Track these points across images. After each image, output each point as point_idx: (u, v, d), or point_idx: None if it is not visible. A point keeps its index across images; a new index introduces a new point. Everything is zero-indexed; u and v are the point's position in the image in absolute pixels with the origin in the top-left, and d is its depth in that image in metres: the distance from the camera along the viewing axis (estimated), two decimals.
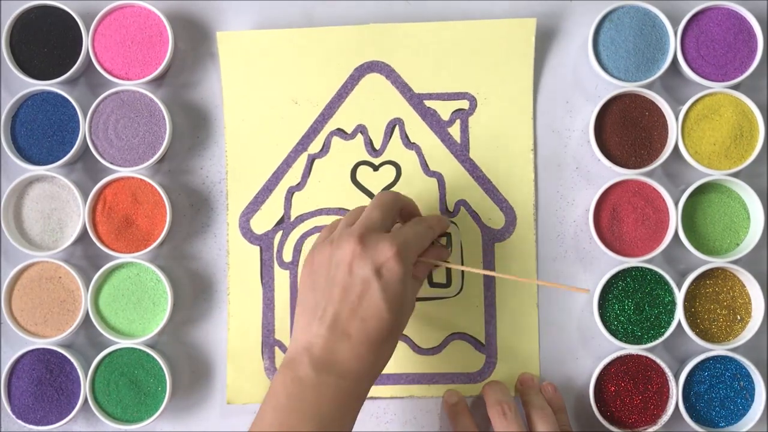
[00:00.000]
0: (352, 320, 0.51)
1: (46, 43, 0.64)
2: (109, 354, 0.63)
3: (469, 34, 0.64)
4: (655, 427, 0.61)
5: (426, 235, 0.56)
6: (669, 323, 0.62)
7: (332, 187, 0.65)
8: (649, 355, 0.61)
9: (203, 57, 0.66)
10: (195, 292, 0.65)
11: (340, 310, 0.52)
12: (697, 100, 0.62)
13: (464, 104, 0.64)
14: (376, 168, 0.65)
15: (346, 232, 0.53)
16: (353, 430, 0.52)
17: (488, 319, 0.64)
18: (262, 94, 0.65)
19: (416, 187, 0.64)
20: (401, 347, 0.64)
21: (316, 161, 0.65)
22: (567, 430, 0.60)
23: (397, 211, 0.57)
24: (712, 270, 0.62)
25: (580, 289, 0.56)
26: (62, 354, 0.62)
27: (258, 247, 0.65)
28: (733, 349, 0.61)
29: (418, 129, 0.64)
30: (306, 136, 0.65)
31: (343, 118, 0.65)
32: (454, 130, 0.64)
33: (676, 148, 0.62)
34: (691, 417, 0.61)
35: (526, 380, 0.62)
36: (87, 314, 0.63)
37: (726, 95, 0.62)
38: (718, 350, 0.61)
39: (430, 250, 0.58)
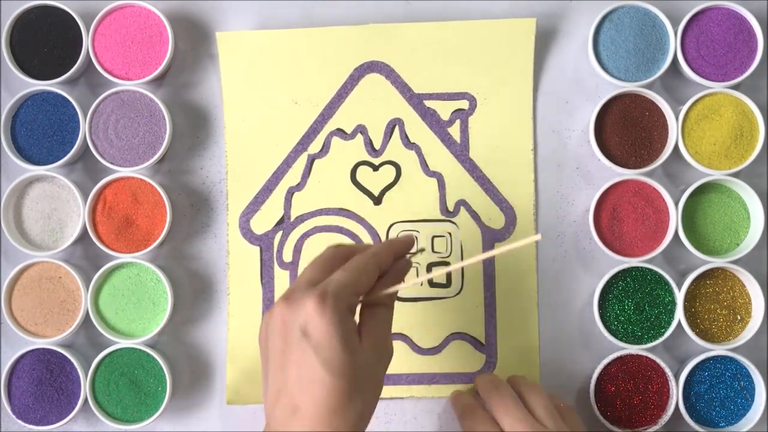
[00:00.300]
0: (299, 392, 0.45)
1: (46, 43, 0.64)
2: (109, 354, 0.63)
3: (469, 34, 0.64)
4: (655, 427, 0.61)
5: (365, 267, 0.48)
6: (669, 323, 0.62)
7: (332, 187, 0.65)
8: (649, 355, 0.61)
9: (203, 57, 0.66)
10: (195, 292, 0.65)
11: (284, 383, 0.46)
12: (697, 100, 0.62)
13: (464, 104, 0.64)
14: (376, 168, 0.65)
15: (280, 298, 0.48)
16: None
17: (488, 319, 0.64)
18: (262, 94, 0.65)
19: (416, 187, 0.64)
20: (401, 347, 0.64)
21: (316, 161, 0.65)
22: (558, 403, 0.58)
23: (336, 262, 0.50)
24: (712, 270, 0.62)
25: (531, 238, 0.47)
26: (62, 354, 0.62)
27: (258, 248, 0.65)
28: (733, 349, 0.61)
29: (418, 129, 0.64)
30: (306, 136, 0.65)
31: (343, 118, 0.65)
32: (454, 130, 0.64)
33: (676, 148, 0.62)
34: (691, 417, 0.60)
35: (513, 381, 0.60)
36: (87, 314, 0.63)
37: (726, 95, 0.62)
38: (718, 350, 0.61)
39: (386, 277, 0.50)
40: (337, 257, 0.50)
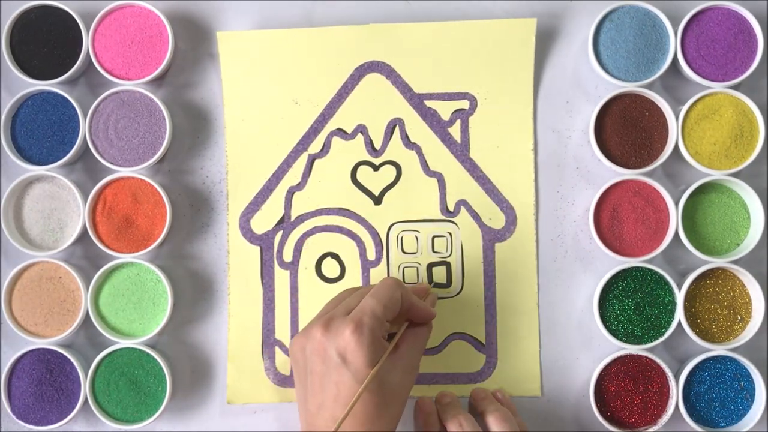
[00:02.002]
0: (337, 406, 0.52)
1: (46, 43, 0.64)
2: (109, 354, 0.63)
3: (469, 34, 0.64)
4: (655, 427, 0.61)
5: (391, 299, 0.54)
6: (669, 323, 0.62)
7: (332, 187, 0.65)
8: (649, 355, 0.61)
9: (203, 57, 0.66)
10: (195, 292, 0.65)
11: (324, 399, 0.52)
12: (697, 100, 0.62)
13: (464, 104, 0.64)
14: (376, 168, 0.65)
15: (315, 321, 0.54)
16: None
17: (488, 319, 0.64)
18: (262, 94, 0.65)
19: (416, 187, 0.64)
20: None
21: (317, 161, 0.65)
22: (525, 430, 0.59)
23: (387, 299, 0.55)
24: (712, 270, 0.62)
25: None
26: (62, 354, 0.62)
27: (258, 247, 0.65)
28: (733, 349, 0.61)
29: (418, 129, 0.64)
30: (306, 136, 0.65)
31: (344, 118, 0.65)
32: (455, 130, 0.64)
33: (676, 148, 0.62)
34: (691, 417, 0.61)
35: (477, 394, 0.61)
36: (87, 314, 0.63)
37: (726, 95, 0.62)
38: (718, 350, 0.61)
39: (404, 306, 0.56)
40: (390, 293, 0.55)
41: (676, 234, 0.61)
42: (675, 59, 0.62)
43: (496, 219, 0.64)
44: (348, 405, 0.51)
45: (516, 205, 0.64)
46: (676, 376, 0.61)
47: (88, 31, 0.63)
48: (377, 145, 0.65)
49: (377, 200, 0.64)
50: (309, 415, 0.54)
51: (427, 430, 0.60)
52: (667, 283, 0.62)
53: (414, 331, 0.57)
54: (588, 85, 0.65)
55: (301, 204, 0.65)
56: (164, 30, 0.64)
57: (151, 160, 0.63)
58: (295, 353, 0.55)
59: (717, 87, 0.62)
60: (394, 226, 0.64)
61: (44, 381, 0.62)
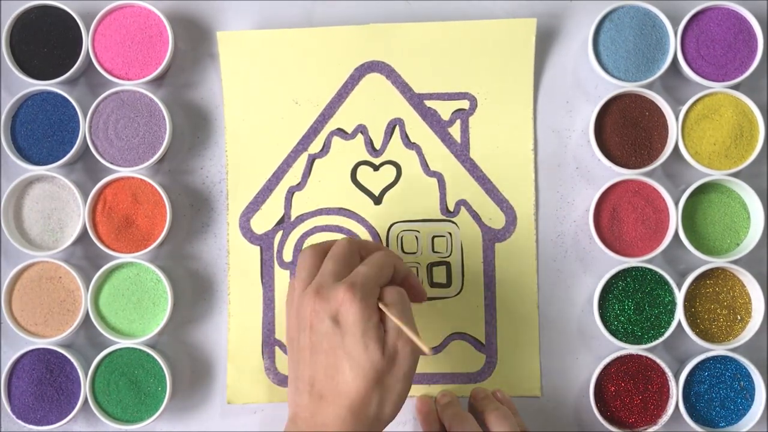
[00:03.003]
0: (326, 380, 0.49)
1: (46, 43, 0.64)
2: (109, 354, 0.63)
3: (469, 34, 0.64)
4: (655, 427, 0.61)
5: (385, 263, 0.52)
6: (669, 323, 0.62)
7: (332, 187, 0.65)
8: (649, 355, 0.61)
9: (203, 57, 0.66)
10: (195, 292, 0.65)
11: (314, 372, 0.49)
12: (697, 100, 0.62)
13: (464, 104, 0.64)
14: (376, 168, 0.65)
15: (305, 292, 0.51)
16: None
17: (488, 319, 0.64)
18: (262, 94, 0.65)
19: (416, 187, 0.64)
20: None
21: (317, 161, 0.65)
22: (524, 429, 0.59)
23: (355, 257, 0.53)
24: (712, 270, 0.62)
25: (423, 347, 0.49)
26: (62, 354, 0.62)
27: (258, 247, 0.65)
28: (733, 349, 0.61)
29: (418, 129, 0.64)
30: (306, 136, 0.65)
31: (344, 118, 0.65)
32: (455, 130, 0.64)
33: (676, 148, 0.62)
34: (691, 417, 0.61)
35: (477, 393, 0.61)
36: (87, 314, 0.63)
37: (726, 95, 0.62)
38: (718, 350, 0.61)
39: (396, 275, 0.54)
40: (353, 253, 0.53)
41: (676, 234, 0.61)
42: (675, 59, 0.62)
43: (496, 219, 0.64)
44: (338, 371, 0.47)
45: (516, 205, 0.64)
46: (676, 376, 0.61)
47: (88, 31, 0.63)
48: (377, 145, 0.65)
49: (377, 200, 0.64)
50: (298, 395, 0.50)
51: (427, 429, 0.60)
52: (667, 283, 0.62)
53: (409, 340, 0.52)
54: (588, 85, 0.65)
55: (301, 204, 0.65)
56: (164, 30, 0.64)
57: (151, 160, 0.63)
58: (288, 328, 0.53)
59: (717, 87, 0.62)
60: (394, 226, 0.64)
61: (44, 381, 0.62)
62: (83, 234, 0.64)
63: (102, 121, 0.63)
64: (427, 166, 0.64)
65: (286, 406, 0.63)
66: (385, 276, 0.52)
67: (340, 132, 0.65)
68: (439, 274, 0.64)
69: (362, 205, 0.64)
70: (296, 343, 0.51)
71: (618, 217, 0.63)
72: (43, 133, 0.64)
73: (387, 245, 0.64)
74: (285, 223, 0.65)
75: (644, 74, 0.63)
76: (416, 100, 0.64)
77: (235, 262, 0.65)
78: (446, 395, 0.62)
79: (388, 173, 0.64)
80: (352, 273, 0.51)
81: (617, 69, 0.63)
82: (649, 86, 0.63)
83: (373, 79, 0.65)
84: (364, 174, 0.65)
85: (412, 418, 0.64)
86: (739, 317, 0.62)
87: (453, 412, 0.58)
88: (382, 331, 0.50)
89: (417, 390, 0.64)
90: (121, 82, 0.63)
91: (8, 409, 0.63)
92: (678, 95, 0.64)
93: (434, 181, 0.64)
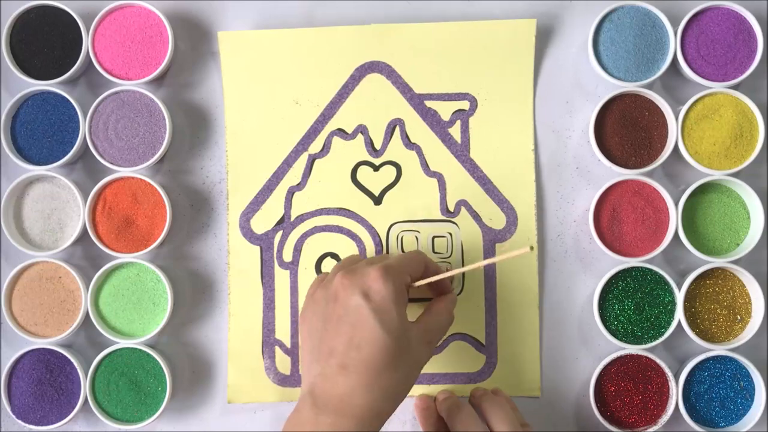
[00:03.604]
0: (349, 351, 0.50)
1: (46, 43, 0.64)
2: (109, 354, 0.63)
3: (469, 35, 0.64)
4: (655, 427, 0.61)
5: (414, 258, 0.55)
6: (669, 323, 0.62)
7: (332, 187, 0.65)
8: (649, 355, 0.62)
9: (204, 57, 0.66)
10: (195, 292, 0.65)
11: (336, 343, 0.51)
12: (697, 100, 0.62)
13: (465, 105, 0.64)
14: (376, 168, 0.65)
15: (333, 270, 0.54)
16: None
17: (489, 320, 0.64)
18: (262, 94, 0.65)
19: (417, 187, 0.64)
20: None
21: (317, 161, 0.65)
22: (524, 422, 0.59)
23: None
24: (712, 270, 0.62)
25: (521, 251, 0.50)
26: (62, 354, 0.62)
27: (258, 247, 0.65)
28: (733, 349, 0.61)
29: (418, 129, 0.64)
30: (306, 136, 0.65)
31: (344, 118, 0.65)
32: (455, 131, 0.64)
33: (676, 148, 0.62)
34: (691, 417, 0.61)
35: (475, 392, 0.61)
36: (87, 314, 0.63)
37: (726, 95, 0.62)
38: (718, 350, 0.61)
39: (427, 273, 0.56)
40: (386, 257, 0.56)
41: (676, 234, 0.61)
42: (675, 59, 0.63)
43: (496, 219, 0.64)
44: (363, 345, 0.49)
45: (516, 205, 0.64)
46: (676, 376, 0.61)
47: (88, 31, 0.63)
48: (377, 146, 0.65)
49: (377, 200, 0.64)
50: (313, 364, 0.52)
51: (424, 424, 0.60)
52: (667, 283, 0.62)
53: (437, 309, 0.56)
54: (588, 85, 0.65)
55: (301, 204, 0.65)
56: (164, 30, 0.64)
57: (151, 160, 0.63)
58: (309, 308, 0.54)
59: (717, 87, 0.62)
60: (394, 226, 0.64)
61: (44, 381, 0.62)
62: (83, 234, 0.64)
63: (102, 121, 0.63)
64: (427, 166, 0.64)
65: (287, 405, 0.64)
66: (415, 268, 0.54)
67: (341, 132, 0.65)
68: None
69: (362, 205, 0.64)
70: (317, 317, 0.53)
71: (618, 217, 0.63)
72: (43, 133, 0.64)
73: (387, 245, 0.64)
74: (285, 223, 0.65)
75: (644, 74, 0.63)
76: (416, 101, 0.64)
77: (235, 262, 0.65)
78: (445, 393, 0.62)
79: (389, 173, 0.64)
80: (383, 256, 0.55)
81: (617, 69, 0.63)
82: (649, 86, 0.63)
83: (374, 79, 0.65)
84: (364, 174, 0.65)
85: (412, 418, 0.64)
86: (739, 317, 0.62)
87: (451, 402, 0.58)
88: (407, 316, 0.52)
89: (417, 390, 0.64)
90: (121, 82, 0.63)
91: (8, 409, 0.63)
92: (678, 95, 0.64)
93: (434, 181, 0.64)
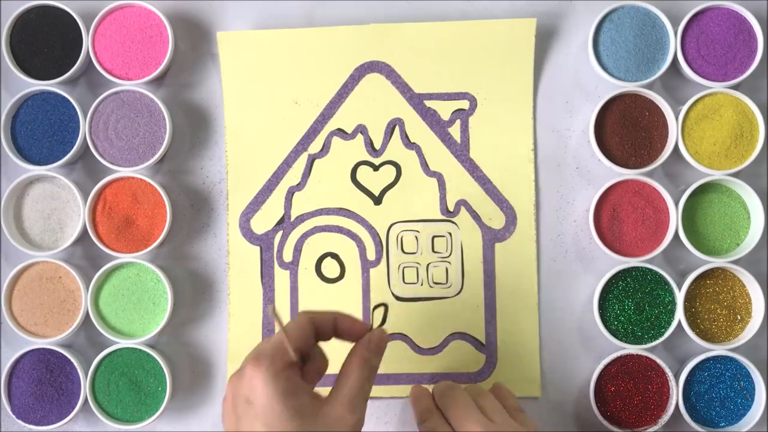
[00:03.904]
0: None
1: (46, 43, 0.64)
2: (109, 354, 0.63)
3: (469, 34, 0.64)
4: (655, 427, 0.61)
5: (295, 327, 0.49)
6: (669, 323, 0.62)
7: (332, 187, 0.65)
8: (649, 355, 0.61)
9: (203, 57, 0.66)
10: (195, 292, 0.65)
11: None
12: (697, 100, 0.62)
13: (464, 104, 0.64)
14: (376, 168, 0.65)
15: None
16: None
17: (488, 319, 0.64)
18: (262, 94, 0.65)
19: (416, 187, 0.64)
20: (401, 347, 0.64)
21: (317, 161, 0.65)
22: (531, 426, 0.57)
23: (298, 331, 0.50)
24: (712, 270, 0.62)
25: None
26: (62, 354, 0.62)
27: (258, 247, 0.65)
28: (733, 349, 0.61)
29: (418, 129, 0.64)
30: (306, 136, 0.65)
31: (344, 118, 0.65)
32: (454, 130, 0.64)
33: (676, 148, 0.62)
34: (691, 417, 0.61)
35: (471, 389, 0.59)
36: (87, 314, 0.63)
37: (726, 95, 0.62)
38: (718, 350, 0.61)
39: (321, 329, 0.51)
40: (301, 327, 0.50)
41: (676, 234, 0.61)
42: (675, 59, 0.62)
43: (496, 219, 0.64)
44: None
45: (516, 205, 0.64)
46: (676, 376, 0.61)
47: (88, 31, 0.63)
48: (377, 145, 0.65)
49: (377, 200, 0.64)
50: None
51: (416, 406, 0.59)
52: (667, 283, 0.62)
53: (347, 370, 0.51)
54: (588, 85, 0.65)
55: (301, 204, 0.65)
56: (164, 30, 0.64)
57: (151, 160, 0.63)
58: (226, 409, 0.50)
59: (717, 87, 0.62)
60: (394, 226, 0.64)
61: (44, 381, 0.62)
62: (83, 234, 0.64)
63: (102, 121, 0.63)
64: (427, 166, 0.64)
65: None
66: (295, 338, 0.49)
67: (340, 132, 0.65)
68: (439, 274, 0.64)
69: (362, 205, 0.64)
70: (226, 423, 0.49)
71: (618, 217, 0.63)
72: (43, 133, 0.64)
73: (387, 245, 0.64)
74: (285, 223, 0.65)
75: (644, 74, 0.63)
76: (416, 100, 0.64)
77: (235, 262, 0.65)
78: (441, 384, 0.60)
79: (388, 173, 0.65)
80: (261, 343, 0.49)
81: (617, 69, 0.63)
82: (649, 86, 0.63)
83: (373, 79, 0.65)
84: (364, 174, 0.65)
85: (395, 417, 0.64)
86: (739, 317, 0.62)
87: (445, 385, 0.57)
88: (302, 389, 0.48)
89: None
90: (121, 82, 0.64)
91: (8, 409, 0.63)
92: (678, 95, 0.64)
93: (434, 181, 0.64)
